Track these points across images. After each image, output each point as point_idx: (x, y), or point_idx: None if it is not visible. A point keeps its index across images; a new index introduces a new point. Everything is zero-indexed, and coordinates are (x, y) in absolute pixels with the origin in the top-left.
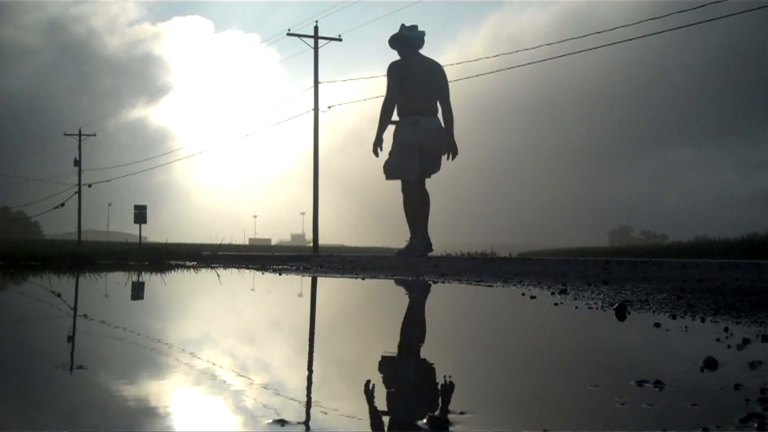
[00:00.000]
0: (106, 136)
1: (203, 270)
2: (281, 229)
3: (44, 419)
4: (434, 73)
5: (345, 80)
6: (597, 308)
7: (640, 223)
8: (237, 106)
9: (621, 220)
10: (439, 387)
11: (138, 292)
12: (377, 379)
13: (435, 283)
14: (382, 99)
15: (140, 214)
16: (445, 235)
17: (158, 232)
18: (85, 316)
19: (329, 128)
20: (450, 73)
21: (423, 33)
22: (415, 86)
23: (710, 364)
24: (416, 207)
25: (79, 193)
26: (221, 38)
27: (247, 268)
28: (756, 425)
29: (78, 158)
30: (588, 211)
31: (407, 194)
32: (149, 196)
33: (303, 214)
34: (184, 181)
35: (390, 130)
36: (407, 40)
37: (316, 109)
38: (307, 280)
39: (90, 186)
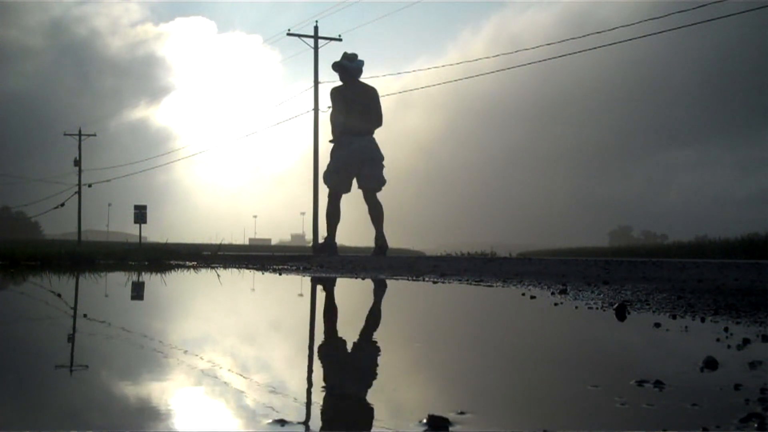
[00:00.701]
0: (108, 136)
1: (203, 270)
2: (281, 229)
3: (45, 419)
4: (371, 97)
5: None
6: (597, 308)
7: (640, 223)
8: (238, 107)
9: (621, 220)
10: (439, 386)
11: (138, 292)
12: (377, 377)
13: (435, 283)
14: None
15: (140, 214)
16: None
17: (158, 232)
18: (85, 316)
19: (329, 128)
20: (450, 74)
21: (362, 63)
22: (353, 110)
23: (710, 364)
24: (333, 215)
25: (79, 193)
26: (224, 39)
27: (247, 268)
28: (756, 425)
29: (78, 158)
30: (588, 211)
31: (329, 202)
32: (149, 196)
33: (303, 214)
34: (185, 181)
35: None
36: (345, 69)
37: (316, 109)
38: (307, 280)
39: (90, 186)
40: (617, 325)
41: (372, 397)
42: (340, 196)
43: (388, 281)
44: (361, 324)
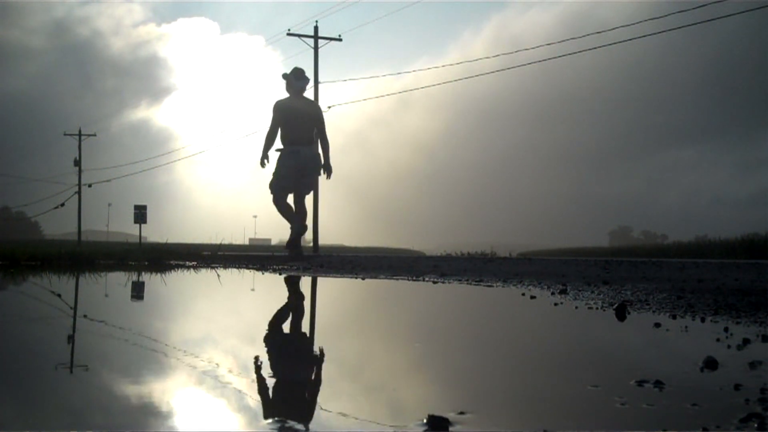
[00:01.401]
0: (109, 136)
1: (203, 270)
2: (281, 229)
3: (45, 419)
4: (313, 111)
5: (345, 80)
6: (597, 308)
7: (640, 223)
8: (238, 107)
9: (621, 220)
10: (439, 386)
11: (138, 292)
12: (377, 377)
13: (435, 283)
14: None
15: (140, 214)
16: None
17: (158, 232)
18: (85, 316)
19: (329, 128)
20: (451, 74)
21: (307, 81)
22: (296, 122)
23: (710, 364)
24: (286, 210)
25: (79, 193)
26: (226, 40)
27: (247, 268)
28: (756, 425)
29: (78, 158)
30: (588, 211)
31: (280, 204)
32: (149, 196)
33: None
34: (185, 181)
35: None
36: (291, 84)
37: None
38: (307, 280)
39: (90, 186)
40: (617, 325)
41: (372, 397)
42: (286, 197)
43: (388, 281)
44: (362, 324)
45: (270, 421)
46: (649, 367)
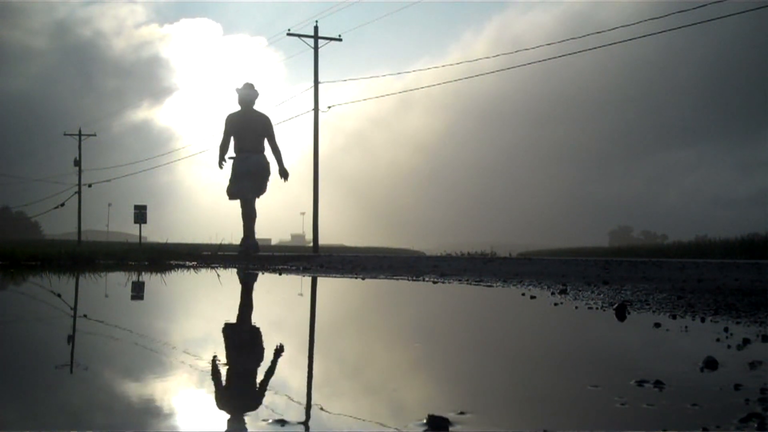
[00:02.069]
0: (110, 137)
1: (203, 270)
2: (281, 229)
3: (45, 419)
4: (262, 123)
5: (345, 80)
6: (597, 308)
7: (640, 223)
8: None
9: (621, 220)
10: (439, 386)
11: (138, 292)
12: (377, 377)
13: (435, 283)
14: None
15: (140, 214)
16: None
17: (158, 232)
18: (85, 316)
19: (330, 128)
20: (452, 74)
21: (257, 94)
22: (245, 133)
23: (710, 364)
24: (250, 218)
25: (79, 193)
26: (228, 41)
27: (248, 268)
28: (756, 425)
29: (78, 158)
30: (588, 211)
31: (243, 208)
32: (150, 196)
33: (303, 214)
34: (185, 181)
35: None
36: (242, 100)
37: (316, 109)
38: (307, 280)
39: (90, 186)
40: (617, 325)
41: (372, 397)
42: (253, 201)
43: (388, 281)
44: (361, 324)
45: (270, 421)
46: (649, 367)
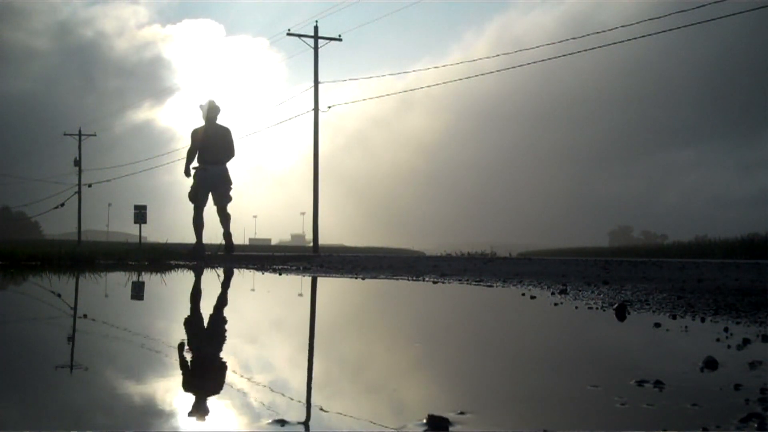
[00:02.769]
0: (111, 137)
1: (203, 270)
2: (281, 229)
3: (45, 419)
4: (223, 136)
5: (345, 80)
6: (597, 308)
7: (640, 223)
8: (240, 107)
9: (621, 220)
10: (439, 386)
11: (138, 292)
12: (377, 377)
13: (435, 283)
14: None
15: (140, 214)
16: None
17: (158, 232)
18: (84, 316)
19: (330, 128)
20: (453, 74)
21: (218, 110)
22: (209, 145)
23: (710, 364)
24: (199, 224)
25: (79, 193)
26: (231, 41)
27: (247, 268)
28: (756, 425)
29: (78, 158)
30: (588, 211)
31: (194, 214)
32: (150, 196)
33: (303, 214)
34: (185, 181)
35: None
36: (206, 116)
37: (316, 109)
38: (307, 280)
39: (90, 186)
40: (617, 325)
41: (372, 397)
42: (203, 209)
43: (388, 281)
44: (361, 324)
45: (270, 421)
46: (649, 367)
